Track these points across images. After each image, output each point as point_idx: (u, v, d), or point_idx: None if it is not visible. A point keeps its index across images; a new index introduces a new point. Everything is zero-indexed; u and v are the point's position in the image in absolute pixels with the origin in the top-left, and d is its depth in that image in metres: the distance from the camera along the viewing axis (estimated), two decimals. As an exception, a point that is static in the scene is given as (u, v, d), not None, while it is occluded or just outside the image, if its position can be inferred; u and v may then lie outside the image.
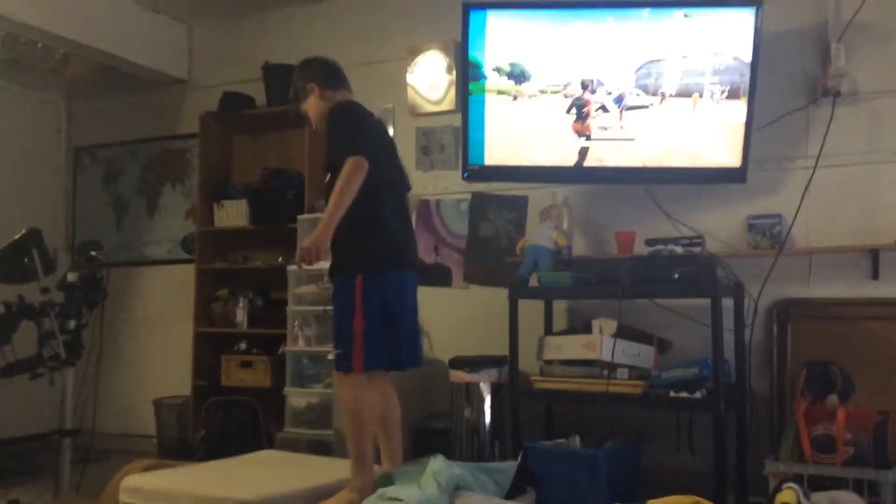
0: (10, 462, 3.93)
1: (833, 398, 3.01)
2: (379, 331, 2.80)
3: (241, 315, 4.63)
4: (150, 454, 4.45)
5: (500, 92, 3.81)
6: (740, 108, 3.51)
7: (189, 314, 4.77)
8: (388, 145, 3.05)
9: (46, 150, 5.53)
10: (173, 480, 2.98)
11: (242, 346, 4.63)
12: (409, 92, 4.45)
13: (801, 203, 3.56)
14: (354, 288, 2.80)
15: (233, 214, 4.76)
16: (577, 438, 3.53)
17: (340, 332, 2.83)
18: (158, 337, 5.17)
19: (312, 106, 3.06)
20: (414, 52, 4.45)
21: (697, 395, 3.21)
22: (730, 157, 3.54)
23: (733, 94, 3.52)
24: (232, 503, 2.71)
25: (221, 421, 4.25)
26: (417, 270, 3.02)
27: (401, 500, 2.60)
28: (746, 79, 3.49)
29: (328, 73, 3.08)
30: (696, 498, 2.18)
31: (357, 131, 2.84)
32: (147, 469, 3.20)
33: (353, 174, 2.72)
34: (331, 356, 3.63)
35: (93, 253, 4.05)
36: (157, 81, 5.16)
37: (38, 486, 3.77)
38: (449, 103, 4.37)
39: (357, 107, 2.96)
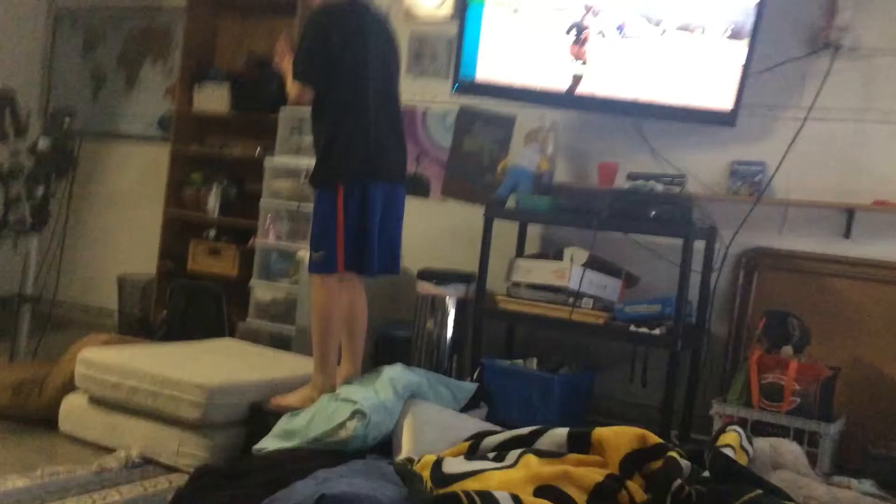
0: (-31, 322, 3.92)
1: (787, 349, 3.08)
2: (355, 239, 2.83)
3: (213, 202, 4.57)
4: (109, 329, 4.46)
5: (500, 3, 3.70)
6: (740, 49, 3.45)
7: (160, 195, 4.70)
8: (380, 51, 2.96)
9: (25, 10, 5.30)
10: (131, 357, 3.00)
11: (212, 233, 4.59)
12: (407, -6, 4.31)
13: (785, 154, 3.55)
14: (336, 196, 2.81)
15: (213, 98, 4.64)
16: (535, 361, 3.59)
17: (318, 236, 2.86)
18: (127, 214, 5.11)
19: None
20: (416, -47, 4.29)
21: (657, 331, 3.27)
22: (723, 99, 3.50)
23: (735, 35, 3.45)
24: (189, 386, 2.73)
25: (185, 304, 4.24)
26: (404, 180, 3.01)
27: (354, 402, 2.64)
28: (751, 20, 3.42)
29: None
30: (642, 431, 2.22)
31: (315, 51, 2.84)
32: (106, 343, 3.21)
33: (295, 98, 2.90)
34: (300, 255, 3.64)
35: (66, 119, 3.94)
36: (147, -51, 4.95)
37: (-6, 349, 3.78)
38: (446, 10, 4.24)
39: (334, 13, 2.87)
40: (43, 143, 3.75)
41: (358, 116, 2.86)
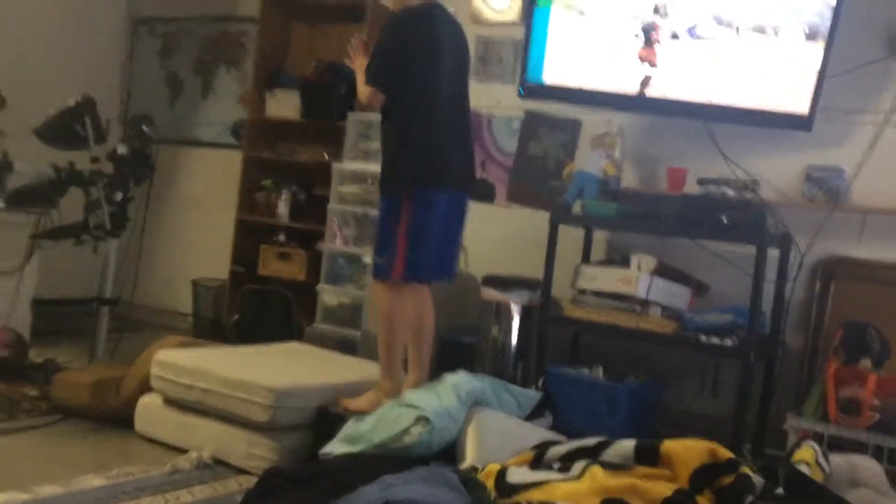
0: (50, 323, 4.08)
1: (866, 362, 2.96)
2: (419, 246, 2.84)
3: (283, 207, 4.66)
4: (184, 331, 4.58)
5: (567, 6, 3.67)
6: (816, 51, 3.34)
7: (232, 200, 4.81)
8: (453, 58, 2.97)
9: (105, 18, 5.49)
10: (204, 359, 3.07)
11: (281, 237, 4.68)
12: (474, -2, 4.32)
13: (864, 159, 3.42)
14: (401, 204, 2.83)
15: (284, 104, 4.73)
16: (601, 369, 3.54)
17: (382, 242, 2.89)
18: (201, 219, 5.25)
19: None
20: (484, -43, 4.29)
21: (728, 341, 3.19)
22: (798, 102, 3.40)
23: (811, 37, 3.35)
24: (258, 388, 2.79)
25: (255, 308, 4.34)
26: (468, 189, 3.02)
27: (419, 408, 2.65)
28: (827, 21, 3.31)
29: None
30: (712, 443, 2.18)
31: (390, 57, 2.86)
32: (180, 345, 3.30)
33: (365, 102, 2.95)
34: (367, 259, 3.68)
35: (144, 127, 4.08)
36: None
37: (74, 350, 3.92)
38: (513, 14, 4.23)
39: (408, 23, 2.89)
40: (122, 150, 3.89)
41: (425, 123, 2.88)
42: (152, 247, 4.96)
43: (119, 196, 3.83)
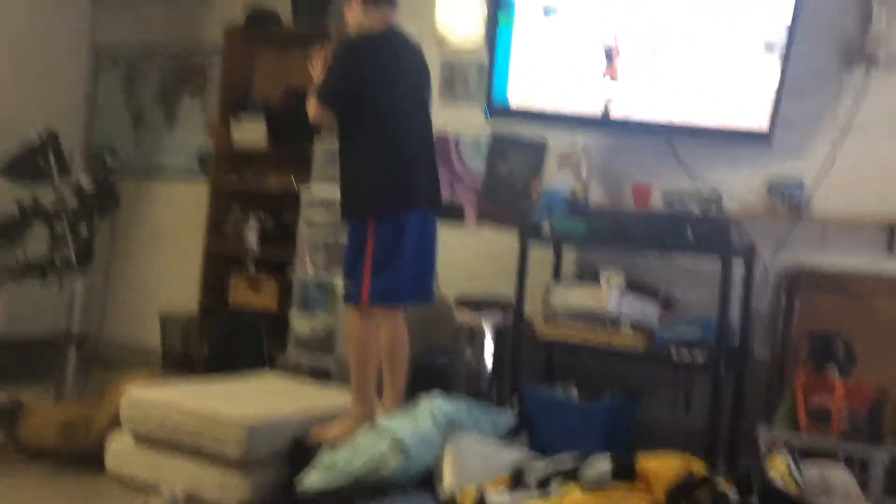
0: (15, 363, 4.00)
1: (833, 370, 3.01)
2: (389, 271, 2.83)
3: (251, 236, 4.63)
4: (153, 366, 4.53)
5: (529, 28, 3.71)
6: (774, 65, 3.40)
7: (200, 230, 4.77)
8: (414, 81, 2.99)
9: (67, 48, 5.43)
10: (174, 394, 3.04)
11: (251, 266, 4.65)
12: (438, 22, 4.34)
13: (824, 170, 3.49)
14: (367, 227, 2.82)
15: (250, 132, 4.71)
16: (574, 387, 3.55)
17: (351, 267, 2.88)
18: (168, 251, 5.20)
19: (352, 14, 3.03)
20: (446, -19, 4.33)
21: (698, 355, 3.22)
22: (758, 118, 3.46)
23: (768, 51, 3.41)
24: (230, 423, 2.76)
25: (226, 339, 4.30)
26: (437, 209, 3.03)
27: (395, 434, 2.64)
28: (783, 36, 3.38)
29: None
30: (687, 458, 2.20)
31: (345, 79, 2.88)
32: (150, 381, 3.26)
33: (313, 119, 2.99)
34: (338, 285, 3.67)
35: (107, 159, 4.05)
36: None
37: (40, 389, 3.85)
38: (478, 38, 4.25)
39: (361, 48, 2.92)
40: (86, 182, 3.85)
41: (391, 146, 2.89)
42: (119, 281, 4.90)
43: (84, 230, 3.79)
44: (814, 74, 3.49)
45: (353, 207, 2.92)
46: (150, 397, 2.98)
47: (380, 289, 2.87)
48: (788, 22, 3.36)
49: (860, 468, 2.82)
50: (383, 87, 2.88)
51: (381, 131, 2.89)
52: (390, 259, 2.86)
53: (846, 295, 3.40)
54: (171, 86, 5.32)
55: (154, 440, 2.92)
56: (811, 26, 3.41)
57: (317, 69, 3.04)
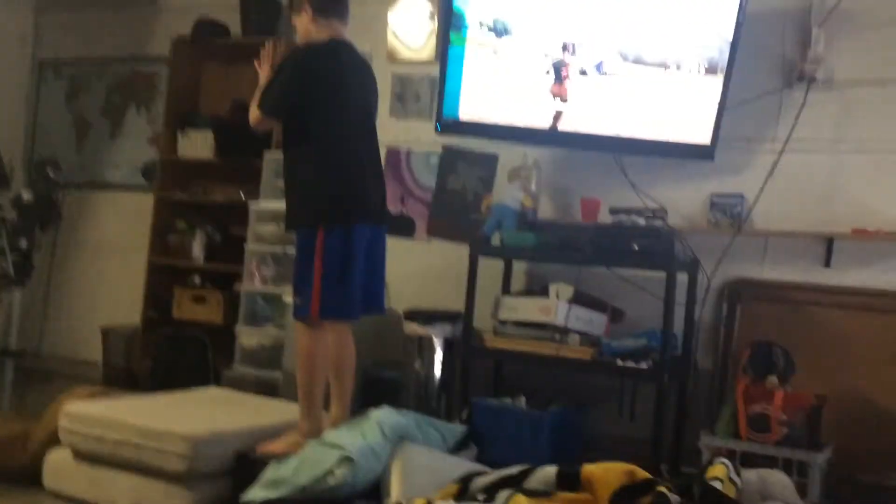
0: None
1: (773, 379, 3.08)
2: (336, 283, 2.82)
3: (197, 249, 4.57)
4: (94, 381, 4.42)
5: (480, 45, 3.76)
6: (716, 84, 3.50)
7: (144, 243, 4.69)
8: (361, 93, 3.00)
9: (8, 60, 5.33)
10: (116, 409, 2.97)
11: (196, 280, 4.58)
12: (389, 37, 4.37)
13: (764, 185, 3.59)
14: (315, 240, 2.81)
15: (197, 145, 4.66)
16: (523, 399, 3.57)
17: (300, 280, 2.86)
18: (111, 264, 5.09)
19: (301, 24, 3.03)
20: (397, -4, 4.35)
21: (643, 365, 3.27)
22: (700, 133, 3.54)
23: (710, 70, 3.50)
24: (175, 437, 2.71)
25: (169, 354, 4.22)
26: (385, 222, 3.03)
27: (342, 447, 2.62)
28: (725, 56, 3.47)
29: None
30: (630, 466, 2.22)
31: (289, 88, 2.87)
32: (91, 395, 3.19)
33: (253, 123, 2.98)
34: (286, 299, 3.64)
35: (49, 172, 3.97)
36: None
37: (-23, 404, 3.74)
38: (429, 52, 4.29)
39: (310, 57, 2.92)
40: (26, 195, 3.77)
41: (339, 157, 2.88)
42: (60, 294, 4.78)
43: (24, 243, 3.71)
44: (755, 93, 3.59)
45: (299, 217, 2.90)
46: (90, 412, 2.91)
47: (329, 303, 2.85)
48: (730, 43, 3.45)
49: (799, 473, 2.90)
50: (330, 97, 2.88)
51: (329, 141, 2.88)
52: (340, 273, 2.84)
53: (785, 305, 3.49)
54: (116, 98, 5.25)
55: (94, 456, 2.85)
56: (753, 47, 3.52)
57: (264, 69, 3.03)
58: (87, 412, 2.92)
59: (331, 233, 2.83)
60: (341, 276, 2.84)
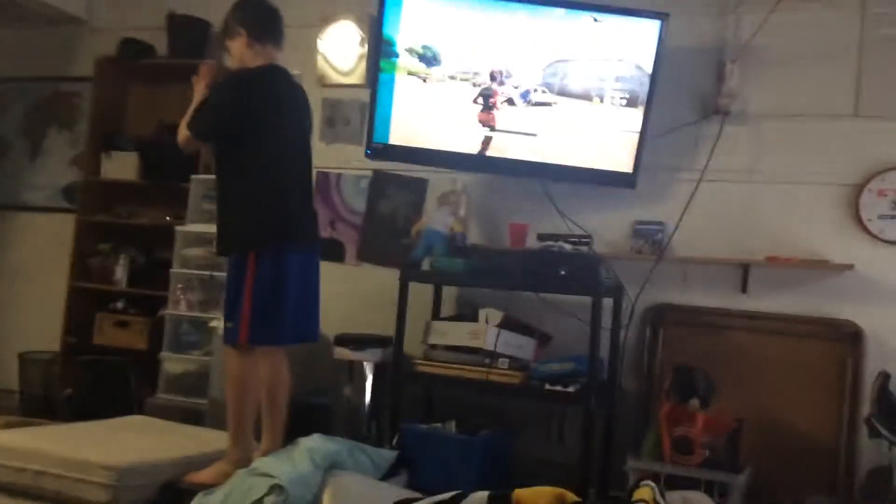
0: None
1: (694, 402, 3.18)
2: (268, 308, 2.81)
3: (120, 272, 4.46)
4: (11, 410, 4.26)
5: (410, 73, 3.80)
6: (637, 116, 3.63)
7: (65, 266, 4.55)
8: (295, 117, 3.00)
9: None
10: (35, 439, 2.88)
11: (119, 304, 4.47)
12: (319, 61, 4.38)
13: (683, 214, 3.73)
14: (246, 264, 2.79)
15: (122, 167, 4.57)
16: (453, 423, 3.60)
17: (231, 306, 2.83)
18: (29, 287, 4.92)
19: (235, 49, 3.02)
20: (327, 21, 4.37)
21: (571, 389, 3.34)
22: (623, 162, 3.67)
23: (632, 102, 3.64)
24: (96, 467, 2.63)
25: (90, 381, 4.09)
26: (317, 247, 3.03)
27: (272, 476, 2.59)
28: (646, 88, 3.61)
29: (260, 21, 3.02)
30: (560, 490, 2.27)
31: (221, 112, 2.88)
32: (7, 425, 3.07)
33: (181, 144, 2.98)
34: (213, 324, 3.59)
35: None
36: (53, 18, 4.87)
37: None
38: (358, 77, 4.32)
39: (245, 82, 2.92)
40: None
41: (272, 182, 2.88)
42: (-27, 320, 4.59)
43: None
44: (674, 125, 3.74)
45: (231, 242, 2.88)
46: (8, 442, 2.80)
47: (259, 328, 2.82)
48: (650, 76, 3.59)
49: (720, 495, 2.99)
50: (265, 123, 2.88)
51: (262, 167, 2.87)
52: (271, 298, 2.82)
53: (706, 329, 3.63)
54: (37, 117, 5.10)
55: (12, 488, 2.74)
56: (671, 80, 3.67)
57: (200, 86, 3.00)
58: (4, 442, 2.81)
59: (262, 258, 2.82)
60: (272, 302, 2.83)
